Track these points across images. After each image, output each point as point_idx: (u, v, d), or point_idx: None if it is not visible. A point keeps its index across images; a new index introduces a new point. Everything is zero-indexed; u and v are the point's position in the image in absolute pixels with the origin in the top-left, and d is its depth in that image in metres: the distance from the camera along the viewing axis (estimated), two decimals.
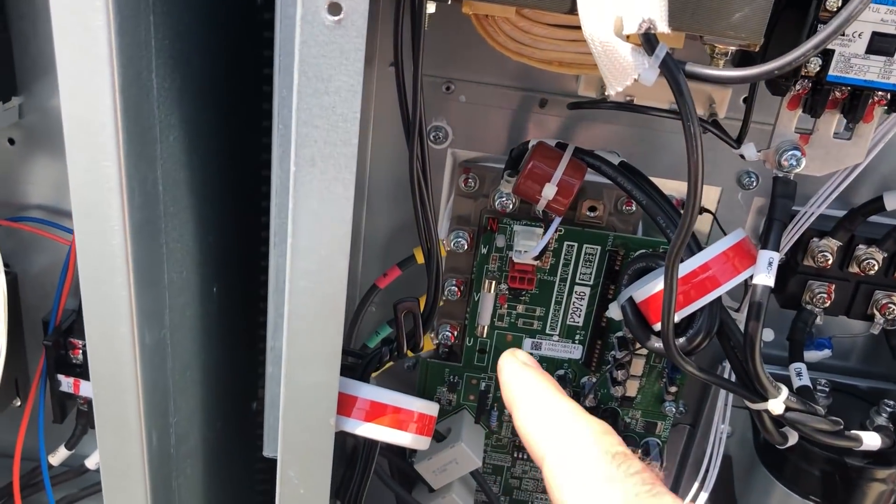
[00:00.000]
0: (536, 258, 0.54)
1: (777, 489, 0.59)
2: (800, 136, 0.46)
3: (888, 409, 0.56)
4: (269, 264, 0.44)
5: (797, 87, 0.44)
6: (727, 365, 0.59)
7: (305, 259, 0.40)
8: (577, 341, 0.60)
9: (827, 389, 0.58)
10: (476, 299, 0.59)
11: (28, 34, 0.57)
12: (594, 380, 0.61)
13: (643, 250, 0.56)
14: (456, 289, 0.59)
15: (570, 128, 0.58)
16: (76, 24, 0.36)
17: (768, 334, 0.59)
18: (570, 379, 0.61)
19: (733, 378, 0.52)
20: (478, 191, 0.58)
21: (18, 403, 0.68)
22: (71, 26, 0.36)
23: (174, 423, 0.50)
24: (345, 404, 0.45)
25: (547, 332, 0.60)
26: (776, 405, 0.47)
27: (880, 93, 0.43)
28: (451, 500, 0.62)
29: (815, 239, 0.55)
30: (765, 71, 0.35)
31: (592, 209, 0.57)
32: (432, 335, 0.59)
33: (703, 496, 0.59)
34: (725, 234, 0.55)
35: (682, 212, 0.49)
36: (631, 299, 0.49)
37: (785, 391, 0.47)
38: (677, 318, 0.46)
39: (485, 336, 0.60)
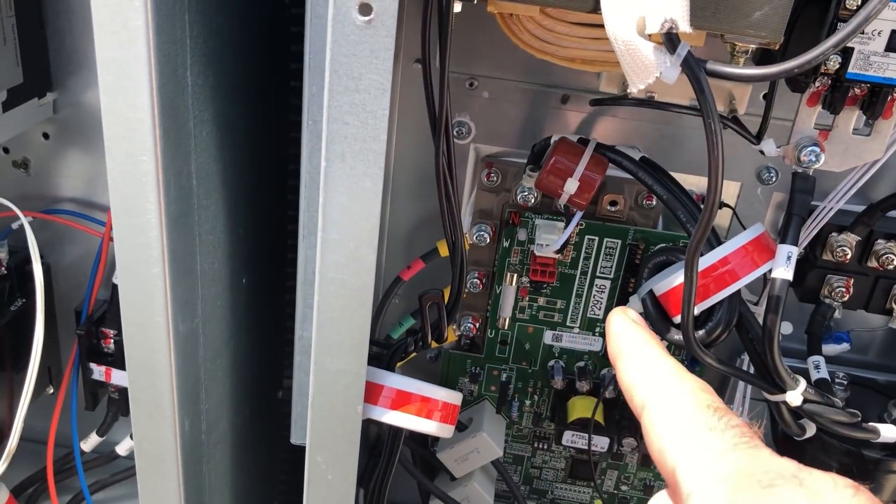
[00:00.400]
0: (558, 252, 0.55)
1: None
2: (819, 133, 0.47)
3: None
4: (297, 256, 0.45)
5: (816, 84, 0.44)
6: (745, 358, 0.60)
7: (335, 252, 0.41)
8: (597, 333, 0.61)
9: (845, 382, 0.59)
10: (498, 292, 0.60)
11: (63, 31, 0.59)
12: (614, 372, 0.62)
13: (663, 244, 0.57)
14: (478, 281, 0.60)
15: (590, 123, 0.59)
16: (116, 22, 0.37)
17: (786, 327, 0.60)
18: (591, 371, 0.62)
19: (751, 370, 0.53)
20: (500, 185, 0.59)
21: (51, 391, 0.70)
22: (111, 25, 0.37)
23: (205, 410, 0.51)
24: (371, 392, 0.46)
25: (567, 324, 0.61)
26: (794, 397, 0.48)
27: None
28: (473, 488, 0.63)
29: (834, 233, 0.55)
30: (785, 69, 0.36)
31: (613, 203, 0.57)
32: (454, 327, 0.60)
33: None
34: (745, 229, 0.56)
35: (702, 206, 0.50)
36: (651, 292, 0.50)
37: (803, 383, 0.48)
38: (697, 310, 0.47)
39: (506, 328, 0.61)
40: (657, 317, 0.50)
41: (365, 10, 0.36)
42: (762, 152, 0.48)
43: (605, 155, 0.51)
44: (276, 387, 0.68)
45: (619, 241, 0.58)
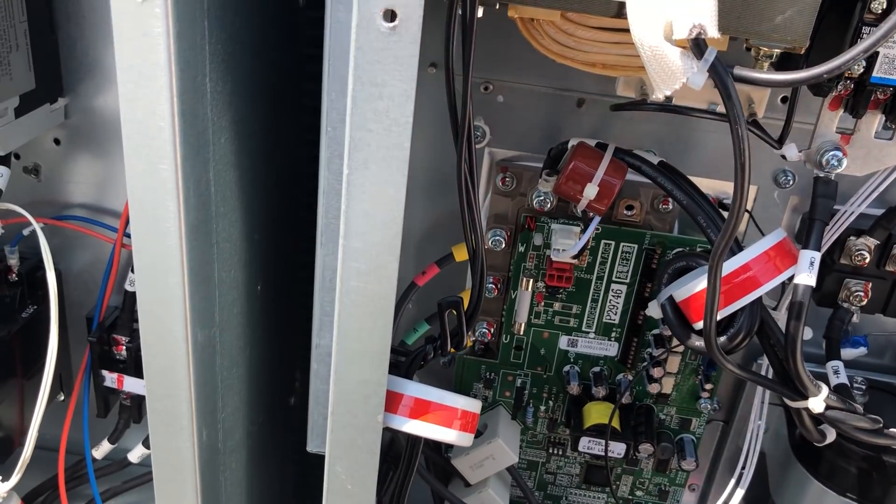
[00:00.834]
0: (575, 257, 0.55)
1: (813, 486, 0.59)
2: (841, 137, 0.47)
3: None
4: (312, 262, 0.45)
5: (839, 87, 0.44)
6: (763, 361, 0.59)
7: (357, 260, 0.41)
8: (613, 339, 0.61)
9: (864, 387, 0.59)
10: (513, 297, 0.60)
11: (74, 36, 0.58)
12: (630, 377, 0.62)
13: (681, 249, 0.57)
14: (493, 286, 0.60)
15: (606, 127, 0.58)
16: (136, 30, 0.37)
17: (807, 332, 0.60)
18: (606, 376, 0.62)
19: (769, 375, 0.53)
20: (515, 189, 0.58)
21: (62, 398, 0.70)
22: (131, 32, 0.37)
23: (222, 419, 0.51)
24: (391, 401, 0.46)
25: (583, 329, 0.61)
26: (817, 403, 0.47)
27: None
28: (488, 494, 0.63)
29: (852, 237, 0.55)
30: (814, 74, 0.35)
31: (629, 208, 0.57)
32: (469, 332, 0.60)
33: (739, 493, 0.60)
34: (762, 233, 0.56)
35: (721, 211, 0.50)
36: (671, 298, 0.49)
37: (825, 390, 0.48)
38: (719, 316, 0.47)
39: (521, 333, 0.61)
40: (677, 323, 0.49)
41: (389, 16, 0.35)
42: (784, 157, 0.47)
43: (623, 159, 0.51)
44: (288, 392, 0.68)
45: (636, 246, 0.58)
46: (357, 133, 0.38)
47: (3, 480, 0.59)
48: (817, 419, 0.50)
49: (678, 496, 0.67)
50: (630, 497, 0.67)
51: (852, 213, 0.51)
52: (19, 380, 0.64)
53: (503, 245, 0.58)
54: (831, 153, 0.46)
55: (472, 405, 0.48)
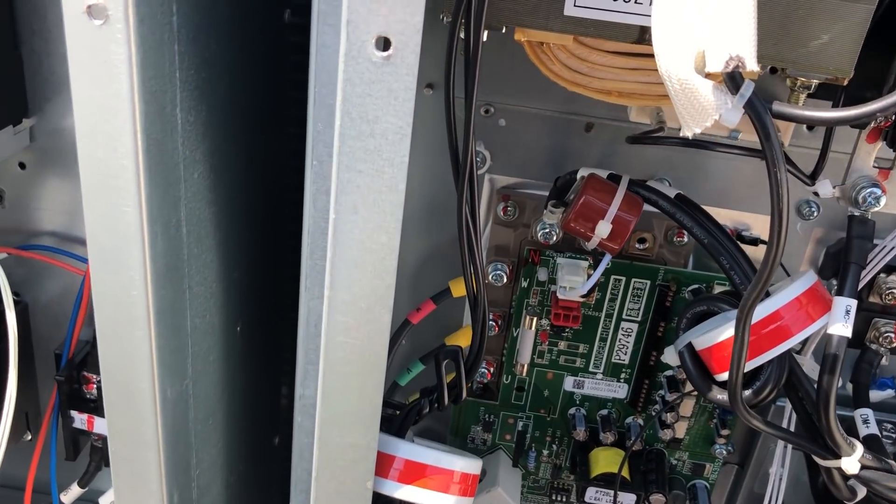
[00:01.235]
0: (584, 296, 0.51)
1: None
2: (878, 171, 0.42)
3: None
4: (297, 302, 0.40)
5: (879, 118, 0.40)
6: (785, 403, 0.55)
7: (344, 313, 0.36)
8: (622, 380, 0.57)
9: (894, 435, 0.54)
10: (515, 335, 0.56)
11: (40, 52, 0.54)
12: (640, 421, 0.57)
13: (697, 286, 0.53)
14: (493, 323, 0.55)
15: (616, 153, 0.54)
16: (94, 57, 0.32)
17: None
18: (615, 419, 0.58)
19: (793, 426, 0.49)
20: (517, 219, 0.54)
21: (29, 438, 0.65)
22: (89, 59, 0.32)
23: (196, 476, 0.46)
24: (381, 464, 0.41)
25: (590, 369, 0.57)
26: (850, 464, 0.43)
27: None
28: (497, 493, 0.58)
29: (882, 274, 0.51)
30: (866, 112, 0.31)
31: (642, 241, 0.53)
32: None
33: None
34: (786, 272, 0.52)
35: (742, 247, 0.46)
36: (690, 345, 0.45)
37: (860, 448, 0.43)
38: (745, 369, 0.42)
39: (524, 374, 0.57)
40: (697, 373, 0.45)
41: (383, 44, 0.31)
42: (816, 194, 0.43)
43: (638, 193, 0.46)
44: (272, 432, 0.63)
45: (648, 282, 0.53)
46: (345, 174, 0.34)
47: None
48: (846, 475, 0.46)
49: None
50: None
51: (891, 249, 0.47)
52: None
53: (504, 280, 0.54)
54: (868, 190, 0.42)
55: (472, 466, 0.43)
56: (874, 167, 0.42)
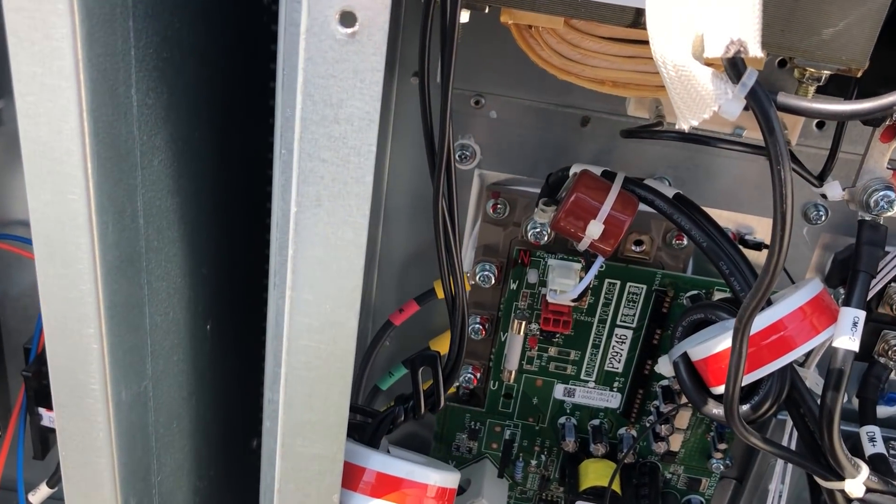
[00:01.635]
0: (574, 300, 0.48)
1: None
2: (893, 173, 0.39)
3: None
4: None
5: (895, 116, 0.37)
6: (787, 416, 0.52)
7: (307, 315, 0.34)
8: (615, 389, 0.54)
9: None
10: (503, 339, 0.53)
11: None
12: (633, 433, 0.54)
13: (696, 292, 0.50)
14: (480, 327, 0.53)
15: (614, 149, 0.51)
16: (36, 31, 0.29)
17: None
18: (607, 430, 0.55)
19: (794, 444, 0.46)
20: (507, 218, 0.51)
21: None
22: (29, 34, 0.30)
23: (157, 482, 0.44)
24: (350, 476, 0.39)
25: (582, 377, 0.54)
26: (855, 487, 0.40)
27: None
28: None
29: (892, 284, 0.48)
30: (882, 105, 0.28)
31: (639, 243, 0.50)
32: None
33: None
34: (791, 279, 0.49)
35: (744, 252, 0.43)
36: (685, 356, 0.42)
37: (865, 470, 0.40)
38: (743, 382, 0.39)
39: (511, 381, 0.54)
40: (692, 386, 0.42)
41: (348, 20, 0.28)
42: (824, 196, 0.40)
43: (634, 192, 0.43)
44: (248, 435, 0.61)
45: (644, 287, 0.50)
46: (307, 163, 0.31)
47: None
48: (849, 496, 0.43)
49: None
50: None
51: None
52: None
53: (493, 281, 0.51)
54: (881, 193, 0.39)
55: (448, 479, 0.41)
56: (888, 168, 0.39)
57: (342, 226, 0.32)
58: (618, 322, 0.52)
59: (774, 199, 0.30)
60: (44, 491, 0.61)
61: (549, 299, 0.49)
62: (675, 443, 0.55)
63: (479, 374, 0.54)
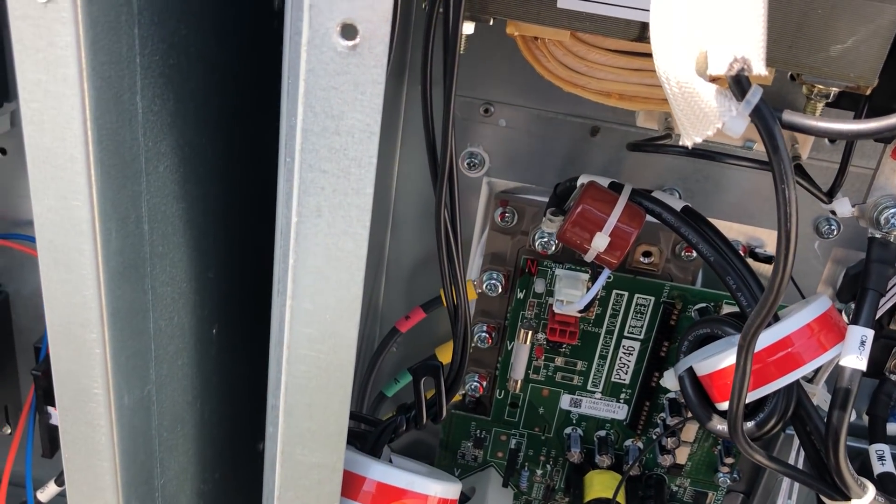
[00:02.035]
0: (581, 311, 0.47)
1: None
2: None
3: None
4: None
5: None
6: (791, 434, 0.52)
7: (308, 325, 0.34)
8: (622, 400, 0.53)
9: None
10: (509, 348, 0.53)
11: None
12: (640, 445, 0.54)
13: (703, 305, 0.49)
14: (487, 335, 0.52)
15: (622, 161, 0.51)
16: (40, 38, 0.30)
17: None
18: (613, 441, 0.54)
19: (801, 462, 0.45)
20: (515, 226, 0.51)
21: (9, 431, 0.63)
22: (34, 41, 0.30)
23: (160, 486, 0.44)
24: (349, 485, 0.39)
25: (588, 388, 0.53)
26: None
27: None
28: None
29: None
30: (887, 126, 0.28)
31: (647, 254, 0.50)
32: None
33: None
34: (801, 294, 0.48)
35: (751, 267, 0.42)
36: (691, 370, 0.42)
37: (871, 491, 0.40)
38: (748, 399, 0.39)
39: (518, 390, 0.54)
40: (697, 401, 0.42)
41: (349, 32, 0.28)
42: (833, 213, 0.40)
43: (641, 204, 0.43)
44: (255, 438, 0.61)
45: (652, 298, 0.50)
46: (308, 174, 0.31)
47: None
48: None
49: None
50: None
51: None
52: None
53: (500, 290, 0.51)
54: (892, 211, 0.38)
55: (450, 490, 0.40)
56: None
57: (342, 236, 0.32)
58: (625, 333, 0.51)
59: (779, 217, 0.30)
60: (52, 489, 0.62)
61: (556, 310, 0.48)
62: (682, 455, 0.54)
63: (485, 383, 0.54)
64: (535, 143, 0.51)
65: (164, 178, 0.38)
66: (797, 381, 0.41)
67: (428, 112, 0.33)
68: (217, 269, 0.46)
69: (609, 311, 0.51)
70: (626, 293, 0.50)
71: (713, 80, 0.29)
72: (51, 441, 0.60)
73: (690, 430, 0.53)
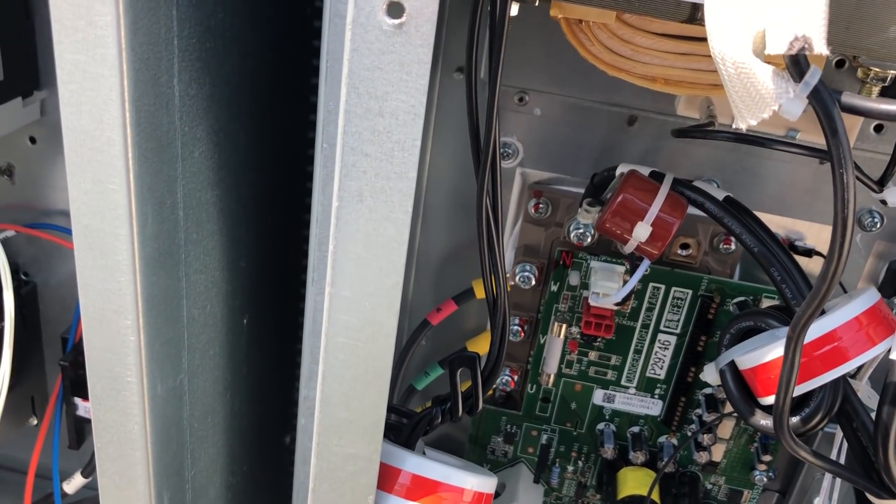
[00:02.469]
0: (618, 304, 0.47)
1: None
2: None
3: None
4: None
5: None
6: (836, 430, 0.50)
7: (346, 312, 0.33)
8: (656, 396, 0.52)
9: None
10: (542, 342, 0.52)
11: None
12: (674, 441, 0.53)
13: (742, 299, 0.48)
14: (519, 328, 0.52)
15: (660, 150, 0.50)
16: (79, 18, 0.29)
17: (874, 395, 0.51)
18: (647, 438, 0.53)
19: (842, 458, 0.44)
20: (549, 218, 0.50)
21: (35, 423, 0.63)
22: (73, 21, 0.29)
23: (190, 477, 0.43)
24: (385, 477, 0.38)
25: (622, 383, 0.52)
26: None
27: None
28: None
29: None
30: None
31: (685, 246, 0.49)
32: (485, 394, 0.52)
33: None
34: (843, 288, 0.47)
35: (795, 259, 0.41)
36: (733, 364, 0.41)
37: None
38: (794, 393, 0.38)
39: (550, 385, 0.53)
40: (739, 395, 0.41)
41: (395, 10, 0.27)
42: (884, 202, 0.38)
43: (683, 194, 0.42)
44: (283, 431, 0.60)
45: (690, 292, 0.49)
46: (350, 157, 0.30)
47: None
48: None
49: None
50: None
51: None
52: None
53: (533, 282, 0.50)
54: None
55: (485, 483, 0.40)
56: None
57: (384, 222, 0.31)
58: (661, 327, 0.50)
59: (836, 203, 0.29)
60: (78, 480, 0.62)
61: (592, 302, 0.47)
62: (717, 453, 0.53)
63: (516, 377, 0.53)
64: (570, 132, 0.50)
65: (200, 163, 0.37)
66: (844, 376, 0.40)
67: (472, 99, 0.32)
68: (248, 258, 0.45)
69: (645, 305, 0.50)
70: (663, 286, 0.49)
71: (769, 60, 0.28)
72: (77, 432, 0.59)
73: (727, 427, 0.52)
